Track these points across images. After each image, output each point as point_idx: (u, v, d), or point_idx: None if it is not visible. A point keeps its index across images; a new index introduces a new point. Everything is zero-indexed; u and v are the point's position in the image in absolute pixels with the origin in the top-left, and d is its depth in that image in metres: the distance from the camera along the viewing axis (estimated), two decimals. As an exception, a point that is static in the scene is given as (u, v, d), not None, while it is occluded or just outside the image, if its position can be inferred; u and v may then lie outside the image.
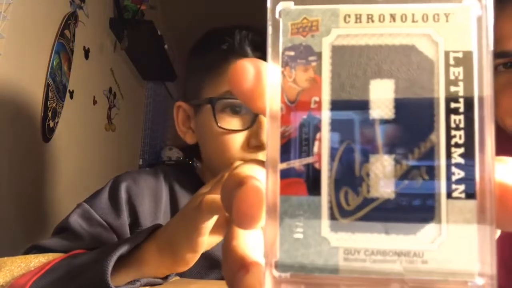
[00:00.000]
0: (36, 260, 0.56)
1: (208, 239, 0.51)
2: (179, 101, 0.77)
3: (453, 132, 0.17)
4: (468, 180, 0.17)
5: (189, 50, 0.82)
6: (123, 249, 0.50)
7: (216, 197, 0.46)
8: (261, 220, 0.17)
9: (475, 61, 0.17)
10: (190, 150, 2.64)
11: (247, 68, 0.18)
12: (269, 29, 0.18)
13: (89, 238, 0.66)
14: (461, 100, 0.17)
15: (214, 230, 0.51)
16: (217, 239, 0.52)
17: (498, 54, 0.60)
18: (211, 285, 0.58)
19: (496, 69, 0.62)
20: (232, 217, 0.17)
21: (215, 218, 0.48)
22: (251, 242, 0.19)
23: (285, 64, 0.18)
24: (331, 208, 0.17)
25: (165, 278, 0.54)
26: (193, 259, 0.50)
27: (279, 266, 0.17)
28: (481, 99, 0.17)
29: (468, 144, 0.17)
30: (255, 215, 0.17)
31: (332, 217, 0.17)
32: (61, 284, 0.50)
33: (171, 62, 2.16)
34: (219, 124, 0.68)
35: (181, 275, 0.64)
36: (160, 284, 0.52)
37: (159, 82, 2.43)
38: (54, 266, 0.53)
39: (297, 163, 0.17)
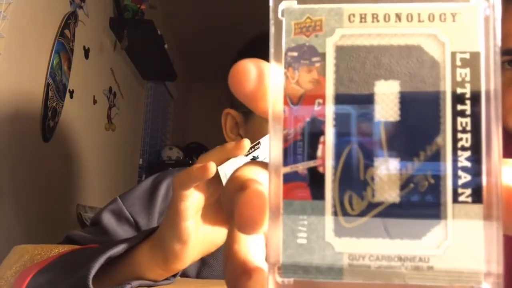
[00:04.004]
0: (56, 250, 0.57)
1: (209, 231, 0.50)
2: (227, 109, 0.76)
3: (459, 135, 0.17)
4: (475, 183, 0.16)
5: (234, 57, 0.81)
6: (115, 250, 0.50)
7: (184, 172, 0.46)
8: (263, 225, 0.16)
9: (483, 62, 0.17)
10: (190, 150, 2.64)
11: (249, 68, 0.18)
12: (272, 29, 0.18)
13: (116, 234, 0.66)
14: (468, 102, 0.17)
15: (216, 221, 0.50)
16: (222, 232, 0.51)
17: (503, 51, 0.60)
18: (211, 285, 0.58)
19: (501, 67, 0.62)
20: (234, 221, 0.16)
21: (197, 201, 0.47)
22: (253, 246, 0.18)
23: (288, 65, 0.17)
24: (335, 213, 0.17)
25: (166, 279, 0.53)
26: (182, 251, 0.48)
27: (283, 272, 0.17)
28: (488, 101, 0.17)
29: (475, 147, 0.17)
30: (257, 219, 0.16)
31: (336, 221, 0.17)
32: (56, 280, 0.50)
33: (171, 62, 2.16)
34: None
35: (208, 274, 0.63)
36: (152, 286, 0.52)
37: (159, 82, 2.43)
38: (57, 261, 0.53)
39: (300, 167, 0.17)
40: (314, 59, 0.17)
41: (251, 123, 0.72)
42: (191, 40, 2.73)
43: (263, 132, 0.69)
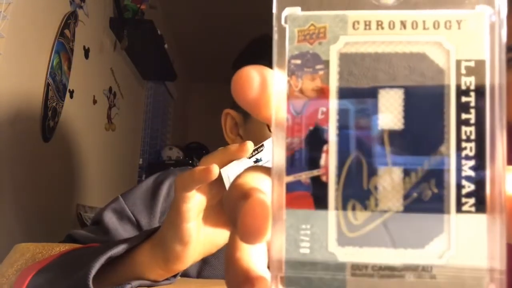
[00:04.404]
0: (58, 249, 0.56)
1: (210, 232, 0.50)
2: (227, 109, 0.76)
3: (463, 144, 0.16)
4: (478, 193, 0.16)
5: (236, 58, 0.80)
6: (116, 250, 0.50)
7: (186, 173, 0.45)
8: (266, 234, 0.16)
9: (488, 70, 0.17)
10: (190, 150, 2.64)
11: (252, 75, 0.18)
12: (275, 36, 0.18)
13: (117, 233, 0.66)
14: (472, 111, 0.17)
15: (218, 222, 0.50)
16: (223, 233, 0.51)
17: (508, 48, 0.59)
18: (212, 285, 0.58)
19: (507, 64, 0.61)
20: (237, 230, 0.16)
21: (199, 203, 0.47)
22: (256, 254, 0.18)
23: (291, 73, 0.17)
24: (338, 222, 0.17)
25: (166, 280, 0.53)
26: (183, 252, 0.48)
27: (285, 282, 0.16)
28: (492, 110, 0.16)
29: (479, 156, 0.16)
30: (260, 229, 0.16)
31: (340, 231, 0.17)
32: (57, 280, 0.50)
33: (171, 62, 2.16)
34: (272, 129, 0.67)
35: (210, 274, 0.63)
36: (152, 286, 0.52)
37: (159, 82, 2.43)
38: (57, 260, 0.53)
39: (303, 176, 0.17)
40: (318, 66, 0.17)
41: (251, 124, 0.73)
42: (191, 40, 2.73)
43: (262, 133, 0.68)
